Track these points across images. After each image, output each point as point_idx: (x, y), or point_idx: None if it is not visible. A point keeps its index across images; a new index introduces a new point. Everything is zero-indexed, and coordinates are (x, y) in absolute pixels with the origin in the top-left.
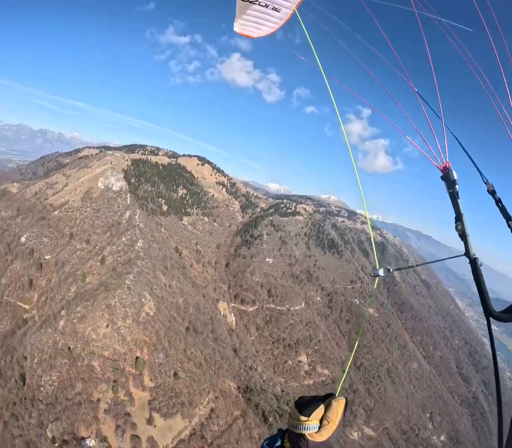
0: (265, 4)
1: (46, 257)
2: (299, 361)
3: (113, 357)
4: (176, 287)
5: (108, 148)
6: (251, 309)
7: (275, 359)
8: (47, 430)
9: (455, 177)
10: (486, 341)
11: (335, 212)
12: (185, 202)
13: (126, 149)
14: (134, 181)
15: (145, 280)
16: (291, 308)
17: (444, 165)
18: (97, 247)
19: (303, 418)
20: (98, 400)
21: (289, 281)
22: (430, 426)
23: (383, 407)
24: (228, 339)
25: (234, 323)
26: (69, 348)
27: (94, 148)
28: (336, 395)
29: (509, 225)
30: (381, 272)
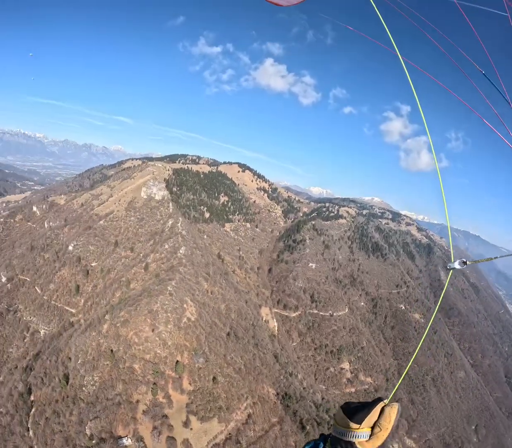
0: None
1: (92, 264)
2: (342, 368)
3: (154, 361)
4: (218, 293)
5: (150, 159)
6: (294, 314)
7: (317, 366)
8: (86, 427)
9: None
10: None
11: (379, 214)
12: (227, 209)
13: (168, 159)
14: (176, 190)
15: (187, 286)
16: (334, 314)
17: None
18: (141, 255)
19: (354, 425)
20: (137, 401)
21: (332, 286)
22: (475, 439)
23: (426, 417)
24: (269, 345)
25: (276, 328)
26: (111, 350)
27: (137, 159)
28: (387, 401)
29: None
30: (457, 265)
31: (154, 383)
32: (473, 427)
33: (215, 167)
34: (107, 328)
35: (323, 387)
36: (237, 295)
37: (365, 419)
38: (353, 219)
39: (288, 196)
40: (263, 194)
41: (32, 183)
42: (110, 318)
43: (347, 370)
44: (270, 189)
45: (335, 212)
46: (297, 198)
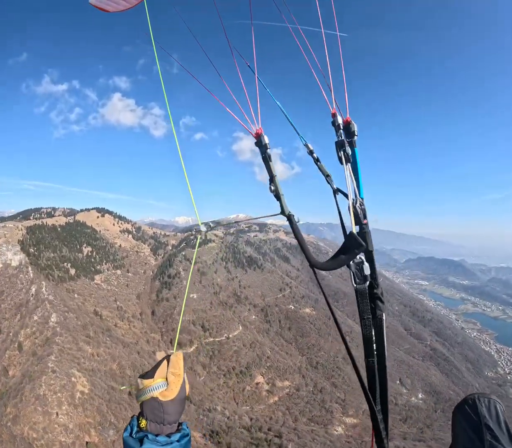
0: None
1: None
2: (257, 383)
3: None
4: (106, 353)
5: (1, 219)
6: (191, 349)
7: (233, 390)
8: None
9: (267, 141)
10: (423, 297)
11: (246, 229)
12: (92, 260)
13: (20, 216)
14: (33, 250)
15: (69, 357)
16: (230, 335)
17: (256, 132)
18: (11, 334)
19: (147, 381)
20: None
21: (219, 310)
22: (404, 390)
23: (353, 392)
24: None
25: None
26: None
27: None
28: (174, 350)
29: (327, 181)
30: (202, 228)
31: None
32: (398, 382)
33: (72, 217)
34: None
35: (247, 407)
36: (126, 349)
37: (156, 372)
38: (222, 240)
39: (154, 232)
40: (128, 236)
41: None
42: None
43: (263, 383)
44: (134, 229)
45: (203, 238)
46: (163, 232)
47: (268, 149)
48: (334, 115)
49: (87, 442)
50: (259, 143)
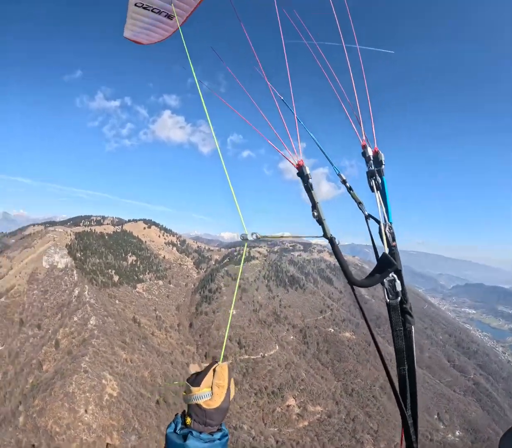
0: (158, 10)
1: None
2: (288, 406)
3: None
4: (139, 360)
5: (53, 223)
6: None
7: (262, 410)
8: None
9: (308, 172)
10: (469, 327)
11: (290, 248)
12: (136, 269)
13: (71, 222)
14: (79, 255)
15: (103, 360)
16: (266, 354)
17: (298, 163)
18: (50, 331)
19: (194, 389)
20: None
21: (258, 328)
22: (442, 426)
23: (387, 424)
24: None
25: None
26: (33, 446)
27: (39, 225)
28: (220, 361)
29: (359, 208)
30: (249, 237)
31: None
32: (436, 416)
33: (120, 227)
34: (23, 420)
35: (275, 429)
36: (160, 358)
37: (203, 381)
38: (265, 258)
39: (198, 246)
40: (172, 248)
41: None
42: (24, 409)
43: (294, 406)
44: (178, 242)
45: (247, 255)
46: (207, 247)
47: (310, 179)
48: (364, 147)
49: (107, 444)
50: (301, 173)
